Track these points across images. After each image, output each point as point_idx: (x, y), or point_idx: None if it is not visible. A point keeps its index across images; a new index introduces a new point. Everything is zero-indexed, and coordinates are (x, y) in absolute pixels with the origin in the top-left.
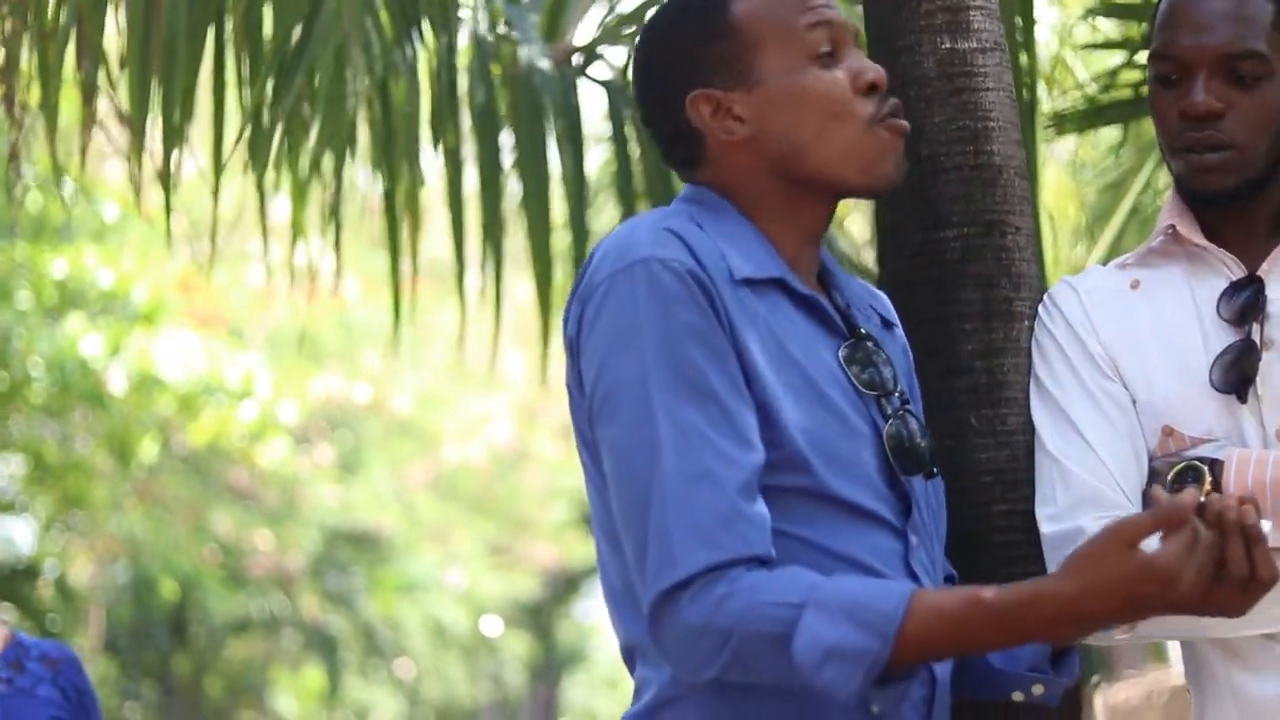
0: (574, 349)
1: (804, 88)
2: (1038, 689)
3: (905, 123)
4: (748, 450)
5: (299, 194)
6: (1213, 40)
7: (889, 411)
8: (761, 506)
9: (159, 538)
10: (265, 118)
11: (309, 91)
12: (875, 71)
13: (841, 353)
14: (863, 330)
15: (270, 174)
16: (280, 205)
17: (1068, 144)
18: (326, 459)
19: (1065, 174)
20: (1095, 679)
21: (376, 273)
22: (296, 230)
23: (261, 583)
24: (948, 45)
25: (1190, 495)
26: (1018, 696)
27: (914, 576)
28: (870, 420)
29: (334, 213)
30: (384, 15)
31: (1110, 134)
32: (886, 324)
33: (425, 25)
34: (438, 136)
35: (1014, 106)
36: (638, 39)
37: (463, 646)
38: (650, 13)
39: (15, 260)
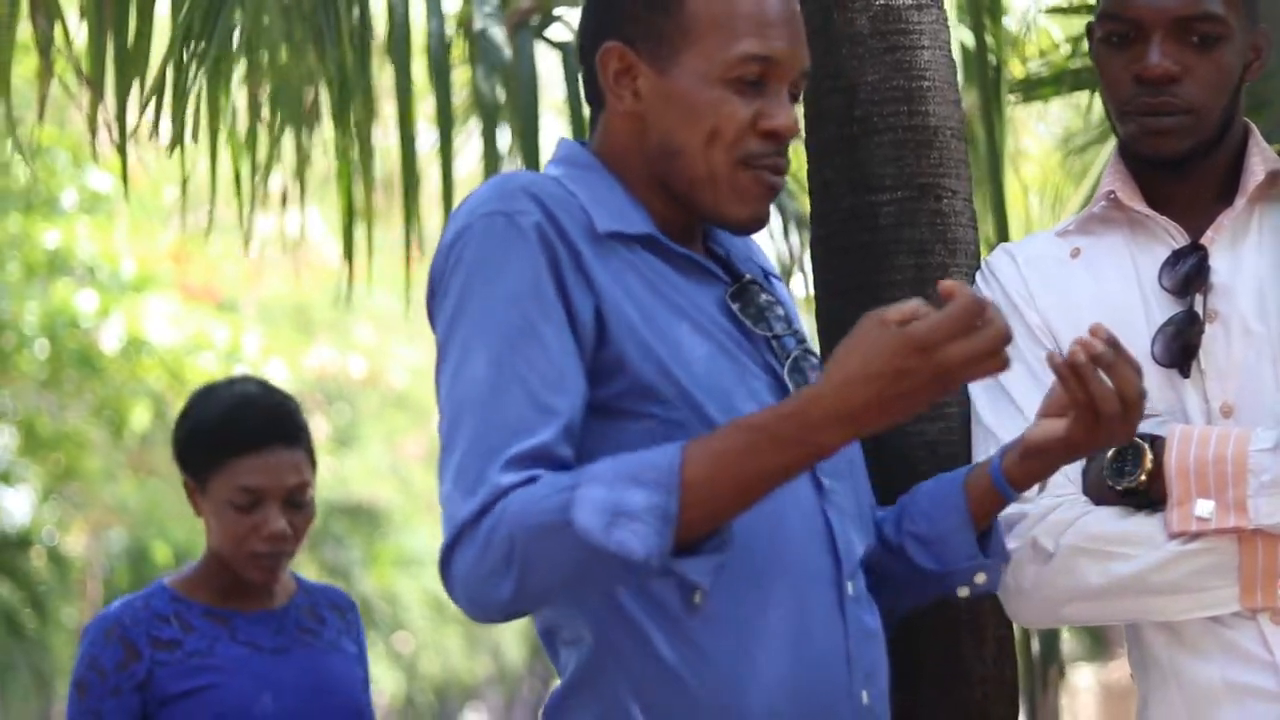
0: (429, 311)
1: (702, 102)
2: (980, 577)
3: (775, 179)
4: (563, 399)
5: (250, 163)
6: (1169, 2)
7: (782, 353)
8: (561, 449)
9: (153, 508)
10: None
11: (270, 65)
12: (784, 121)
13: (728, 297)
14: (746, 276)
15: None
16: (275, 177)
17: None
18: (322, 432)
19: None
20: (1059, 664)
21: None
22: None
23: None
24: (882, 2)
25: (947, 283)
26: (963, 592)
27: (829, 524)
28: (763, 363)
29: (299, 176)
30: None
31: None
32: (768, 276)
33: None
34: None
35: (951, 66)
36: None
37: (461, 621)
38: None
39: (9, 231)
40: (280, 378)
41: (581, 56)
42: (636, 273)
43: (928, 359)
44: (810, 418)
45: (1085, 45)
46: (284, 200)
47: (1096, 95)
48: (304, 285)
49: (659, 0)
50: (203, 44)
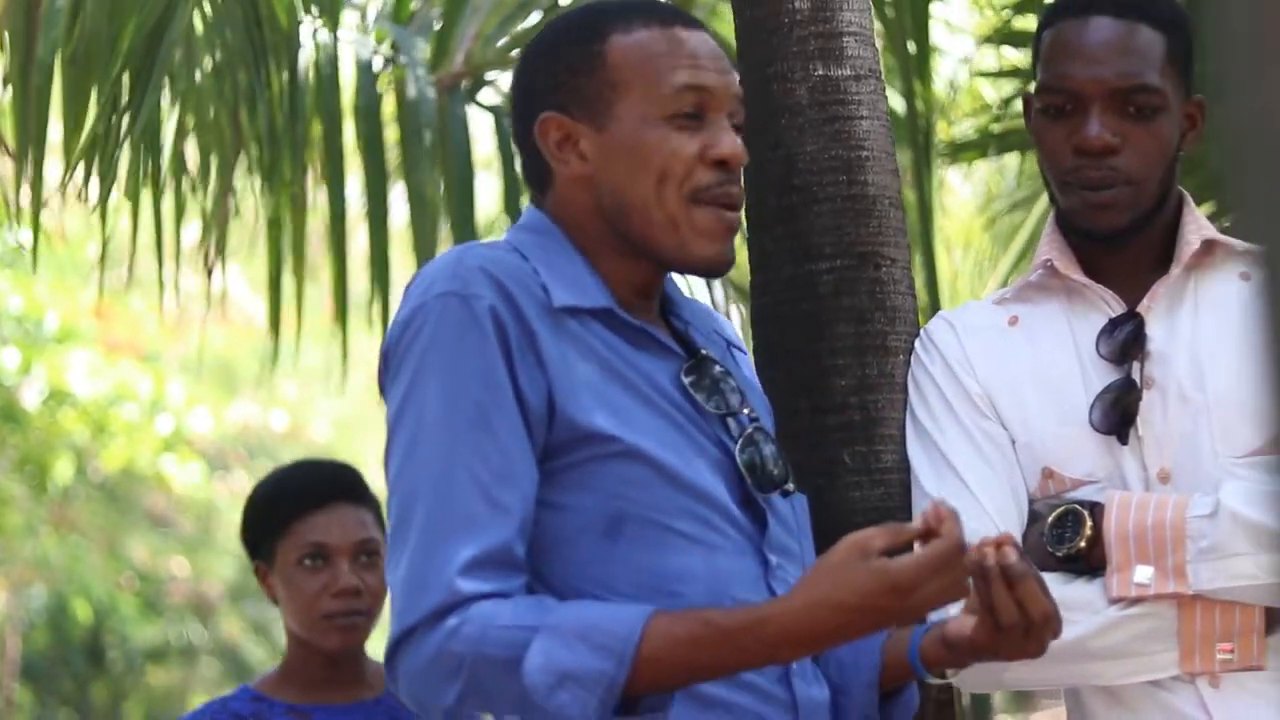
0: (381, 385)
1: (647, 144)
2: None
3: (731, 215)
4: (514, 493)
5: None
6: (1106, 73)
7: (736, 431)
8: (518, 549)
9: (74, 564)
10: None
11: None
12: (730, 148)
13: (682, 373)
14: (702, 351)
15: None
16: (193, 231)
17: (978, 174)
18: (243, 486)
19: (971, 205)
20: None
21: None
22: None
23: (179, 609)
24: (821, 72)
25: (943, 509)
26: None
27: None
28: (716, 440)
29: (219, 243)
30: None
31: (1012, 162)
32: (731, 347)
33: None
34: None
35: (890, 136)
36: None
37: None
38: None
39: None
40: (204, 429)
41: (517, 139)
42: (590, 348)
43: (903, 599)
44: (770, 634)
45: (1012, 108)
46: (206, 258)
47: (1021, 157)
48: (228, 342)
49: (580, 63)
50: (131, 103)
